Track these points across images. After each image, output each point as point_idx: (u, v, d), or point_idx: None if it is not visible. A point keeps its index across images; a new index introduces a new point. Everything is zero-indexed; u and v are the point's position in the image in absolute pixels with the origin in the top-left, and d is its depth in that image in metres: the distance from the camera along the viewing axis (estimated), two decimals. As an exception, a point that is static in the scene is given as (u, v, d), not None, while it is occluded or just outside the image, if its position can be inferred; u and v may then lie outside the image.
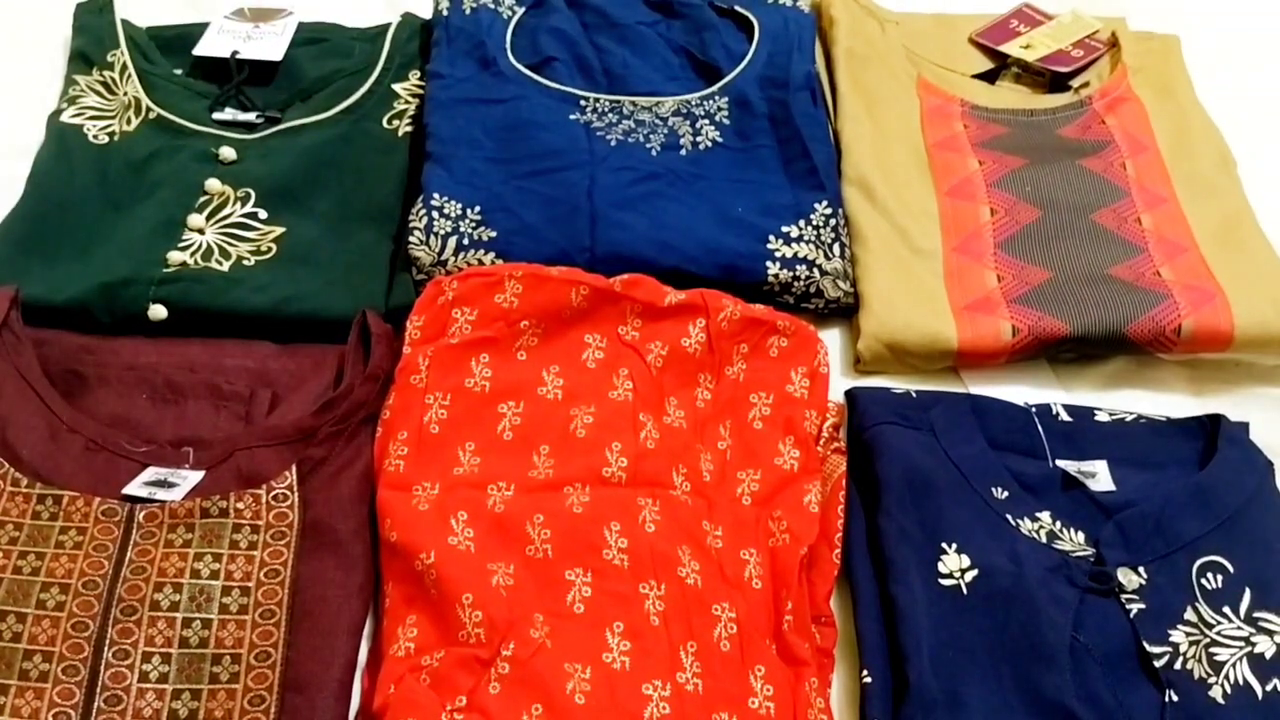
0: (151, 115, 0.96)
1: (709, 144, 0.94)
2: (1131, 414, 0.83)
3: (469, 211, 0.87)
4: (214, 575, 0.68)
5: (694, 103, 0.96)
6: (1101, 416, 0.82)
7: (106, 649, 0.65)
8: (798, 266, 0.87)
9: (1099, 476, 0.78)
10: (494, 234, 0.86)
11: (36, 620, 0.65)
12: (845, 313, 0.90)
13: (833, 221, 0.90)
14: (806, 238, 0.88)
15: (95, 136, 0.95)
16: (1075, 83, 1.10)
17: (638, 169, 0.91)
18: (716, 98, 0.97)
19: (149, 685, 0.64)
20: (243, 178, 0.92)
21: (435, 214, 0.86)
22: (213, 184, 0.91)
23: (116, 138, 0.95)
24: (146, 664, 0.65)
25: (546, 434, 0.75)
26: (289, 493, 0.71)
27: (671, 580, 0.69)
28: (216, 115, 0.98)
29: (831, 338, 0.90)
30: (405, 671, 0.65)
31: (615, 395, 0.77)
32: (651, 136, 0.93)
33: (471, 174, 0.89)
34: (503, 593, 0.67)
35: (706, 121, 0.95)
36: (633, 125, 0.94)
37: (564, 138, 0.92)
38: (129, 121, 0.96)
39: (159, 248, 0.86)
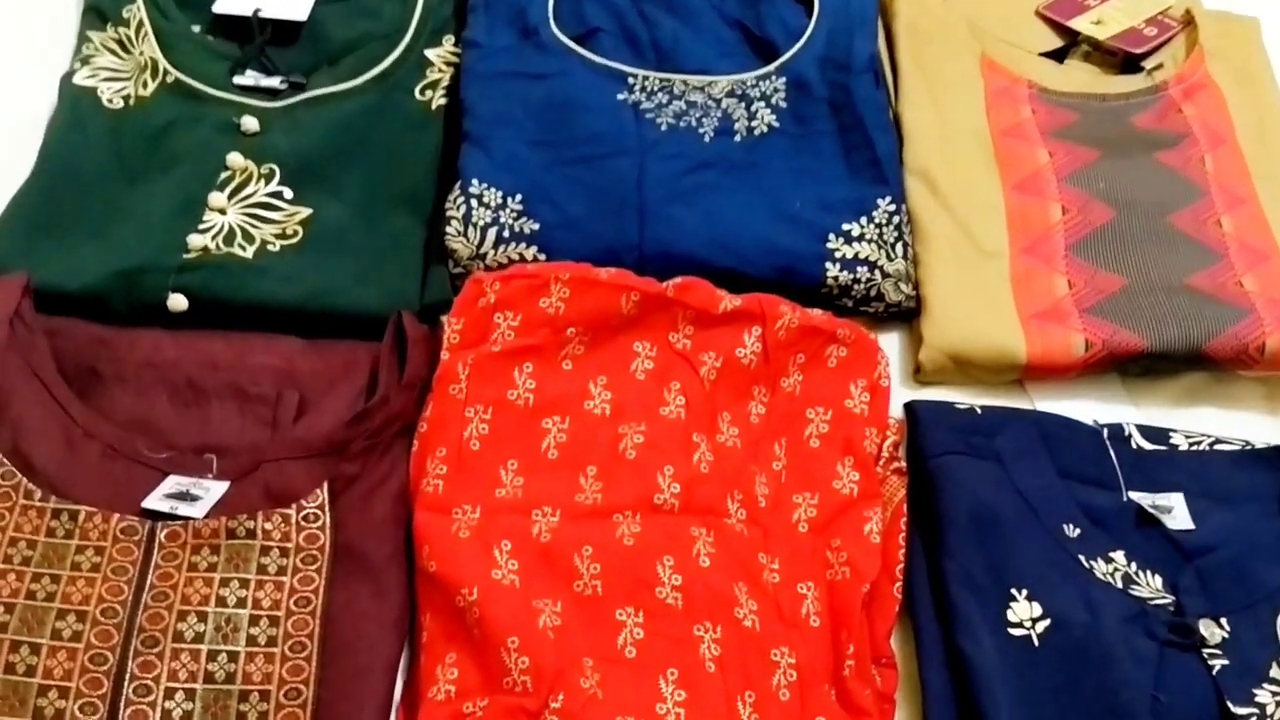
0: (169, 79, 0.89)
1: (765, 129, 0.88)
2: (1208, 437, 0.78)
3: (510, 201, 0.81)
4: (241, 603, 0.64)
5: (749, 83, 0.89)
6: (1176, 440, 0.78)
7: (127, 684, 0.61)
8: (858, 268, 0.82)
9: (1176, 513, 0.73)
10: (536, 226, 0.80)
11: (52, 652, 0.61)
12: (904, 316, 0.85)
13: (896, 219, 0.85)
14: (868, 237, 0.83)
15: (110, 100, 0.89)
16: (1148, 64, 1.03)
17: (690, 157, 0.85)
18: (773, 78, 0.90)
19: (172, 724, 0.60)
20: (266, 152, 0.86)
21: (474, 203, 0.81)
22: (235, 159, 0.85)
23: (132, 102, 0.89)
24: (169, 701, 0.61)
25: (593, 454, 0.71)
26: (320, 513, 0.67)
27: (728, 622, 0.65)
28: (237, 80, 0.91)
29: (888, 341, 0.84)
30: (446, 718, 0.61)
31: (667, 412, 0.72)
32: (704, 120, 0.87)
33: (512, 158, 0.83)
34: (550, 635, 0.63)
35: (762, 104, 0.89)
36: (684, 107, 0.88)
37: (611, 121, 0.86)
38: (145, 85, 0.89)
39: (179, 231, 0.81)
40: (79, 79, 0.89)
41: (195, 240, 0.81)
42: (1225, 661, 0.66)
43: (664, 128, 0.86)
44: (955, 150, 0.92)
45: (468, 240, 0.80)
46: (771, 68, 0.91)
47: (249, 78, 0.92)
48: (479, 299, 0.74)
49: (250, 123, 0.87)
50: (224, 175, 0.85)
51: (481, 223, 0.80)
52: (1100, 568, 0.69)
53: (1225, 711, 0.65)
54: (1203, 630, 0.67)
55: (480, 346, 0.73)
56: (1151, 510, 0.73)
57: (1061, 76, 1.01)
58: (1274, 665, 0.66)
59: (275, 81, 0.92)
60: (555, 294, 0.74)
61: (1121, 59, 1.03)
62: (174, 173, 0.85)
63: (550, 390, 0.72)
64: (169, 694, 0.61)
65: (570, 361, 0.74)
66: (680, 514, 0.69)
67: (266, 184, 0.85)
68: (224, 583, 0.64)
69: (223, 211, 0.83)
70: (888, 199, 0.85)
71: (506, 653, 0.62)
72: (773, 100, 0.89)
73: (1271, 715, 0.65)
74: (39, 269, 0.77)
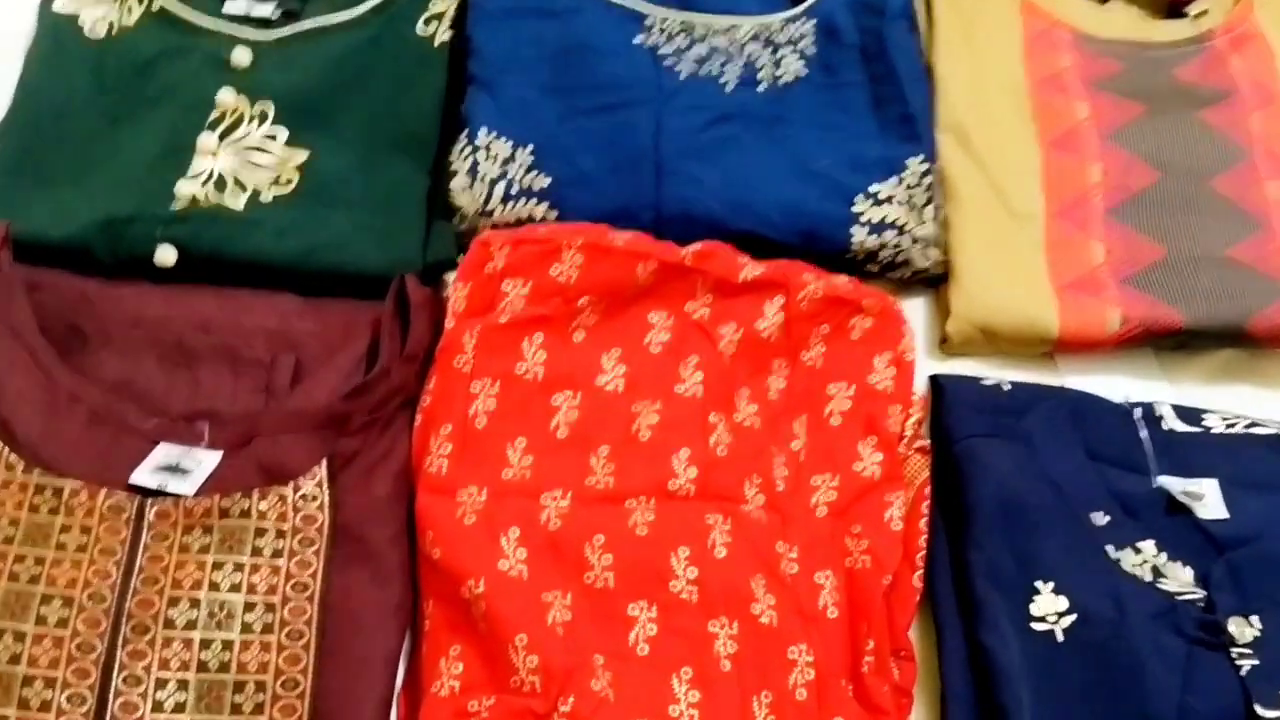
0: (154, 6, 0.84)
1: (791, 78, 0.82)
2: (1242, 419, 0.75)
3: (519, 153, 0.76)
4: (235, 588, 0.61)
5: (775, 27, 0.84)
6: (1210, 421, 0.75)
7: (116, 674, 0.58)
8: (886, 233, 0.77)
9: (1208, 500, 0.70)
10: (547, 182, 0.76)
11: (37, 639, 0.58)
12: (931, 281, 0.81)
13: (927, 180, 0.80)
14: (898, 199, 0.78)
15: (92, 29, 0.83)
16: (1192, 9, 0.97)
17: (710, 108, 0.80)
18: (801, 21, 0.84)
19: (164, 716, 0.58)
20: (259, 89, 0.81)
21: (481, 155, 0.76)
22: (225, 96, 0.80)
23: (115, 31, 0.83)
24: (161, 691, 0.58)
25: (606, 433, 0.67)
26: (318, 491, 0.64)
27: (744, 618, 0.62)
28: (227, 8, 0.85)
29: (912, 307, 0.80)
30: (449, 716, 0.59)
31: (682, 390, 0.69)
32: (726, 68, 0.82)
33: (522, 106, 0.78)
34: (559, 631, 0.61)
35: (789, 50, 0.83)
36: (705, 52, 0.82)
37: (627, 67, 0.80)
38: (129, 12, 0.84)
39: (166, 176, 0.76)
40: (59, 5, 0.83)
41: (184, 188, 0.76)
42: (1255, 662, 0.64)
43: (683, 75, 0.81)
44: (990, 103, 0.87)
45: (474, 195, 0.75)
46: (799, 10, 0.85)
47: (239, 5, 0.86)
48: (486, 264, 0.69)
49: (241, 56, 0.82)
50: (214, 114, 0.80)
51: (489, 177, 0.76)
52: (1129, 559, 0.67)
53: (1251, 713, 0.62)
54: (1232, 629, 0.64)
55: (487, 315, 0.69)
56: (1182, 498, 0.70)
57: (1104, 20, 0.95)
58: (1305, 669, 0.64)
59: (268, 10, 0.86)
60: (568, 261, 0.69)
61: (1166, 2, 0.97)
62: (160, 111, 0.80)
63: (561, 364, 0.69)
64: (160, 684, 0.58)
65: (582, 333, 0.70)
66: (696, 500, 0.66)
67: (259, 125, 0.80)
68: (217, 566, 0.61)
69: (214, 155, 0.78)
70: (919, 158, 0.80)
71: (514, 651, 0.59)
72: (800, 46, 0.84)
73: (1301, 722, 0.63)
74: (18, 217, 0.72)
